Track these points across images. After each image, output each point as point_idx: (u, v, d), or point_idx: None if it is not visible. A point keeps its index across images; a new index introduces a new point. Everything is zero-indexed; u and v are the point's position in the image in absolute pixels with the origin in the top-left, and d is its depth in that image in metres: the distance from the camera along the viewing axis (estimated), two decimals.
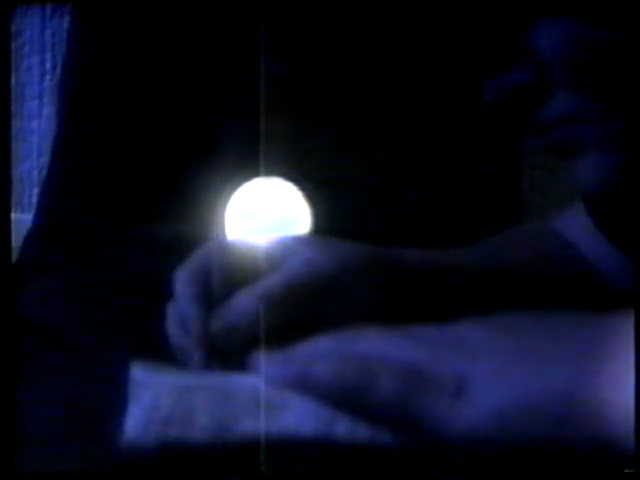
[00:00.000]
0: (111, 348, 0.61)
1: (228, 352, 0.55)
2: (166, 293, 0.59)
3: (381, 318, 0.47)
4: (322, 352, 0.45)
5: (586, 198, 0.55)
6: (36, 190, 1.13)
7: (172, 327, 0.58)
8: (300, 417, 0.42)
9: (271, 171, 0.79)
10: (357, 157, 0.97)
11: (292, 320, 0.53)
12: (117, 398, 0.44)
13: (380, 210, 0.96)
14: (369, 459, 0.41)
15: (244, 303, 0.55)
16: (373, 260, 0.58)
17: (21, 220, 1.02)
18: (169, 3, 0.96)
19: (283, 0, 0.93)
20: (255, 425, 0.42)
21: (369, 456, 0.41)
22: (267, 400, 0.42)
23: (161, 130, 0.98)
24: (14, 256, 0.88)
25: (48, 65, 1.16)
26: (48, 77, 1.16)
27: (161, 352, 0.56)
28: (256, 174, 0.79)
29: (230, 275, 0.57)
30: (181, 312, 0.57)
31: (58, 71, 1.12)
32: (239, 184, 0.78)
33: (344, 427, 0.42)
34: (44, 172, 1.05)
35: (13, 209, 1.04)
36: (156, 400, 0.43)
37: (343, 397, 0.42)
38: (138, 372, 0.46)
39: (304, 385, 0.43)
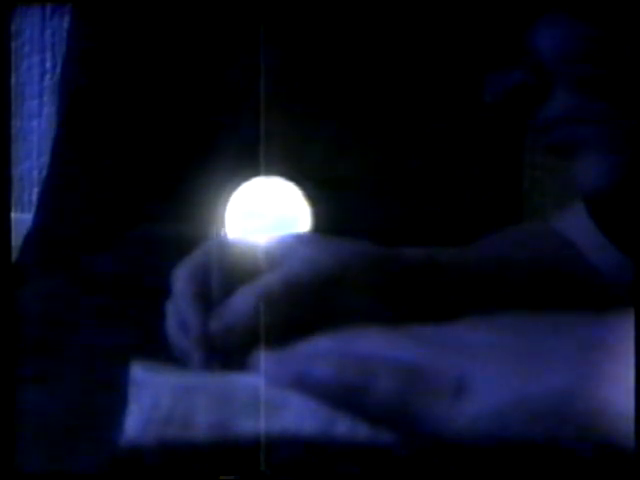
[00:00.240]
0: (111, 348, 0.61)
1: (228, 351, 0.55)
2: (166, 293, 0.59)
3: (381, 317, 0.47)
4: (322, 351, 0.45)
5: (586, 198, 0.55)
6: (36, 189, 1.13)
7: (171, 327, 0.58)
8: (300, 417, 0.42)
9: (271, 170, 0.79)
10: (357, 156, 0.97)
11: (292, 319, 0.53)
12: (117, 398, 0.44)
13: (380, 209, 0.96)
14: (369, 459, 0.41)
15: (243, 302, 0.55)
16: (373, 259, 0.58)
17: (21, 220, 1.02)
18: (169, 3, 0.96)
19: (283, 0, 0.94)
20: (255, 424, 0.42)
21: (369, 456, 0.41)
22: (267, 399, 0.42)
23: (161, 130, 0.98)
24: (14, 256, 0.88)
25: (48, 64, 1.16)
26: (48, 76, 1.16)
27: (161, 352, 0.56)
28: (256, 173, 0.79)
29: (230, 274, 0.57)
30: (180, 312, 0.57)
31: (58, 70, 1.12)
32: (239, 183, 0.79)
33: (344, 427, 0.42)
34: (44, 172, 1.06)
35: (13, 209, 1.04)
36: (156, 400, 0.43)
37: (343, 397, 0.42)
38: (138, 372, 0.46)
39: (304, 385, 0.43)
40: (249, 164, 0.83)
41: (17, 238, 0.96)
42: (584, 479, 0.39)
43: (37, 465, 0.44)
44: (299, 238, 0.61)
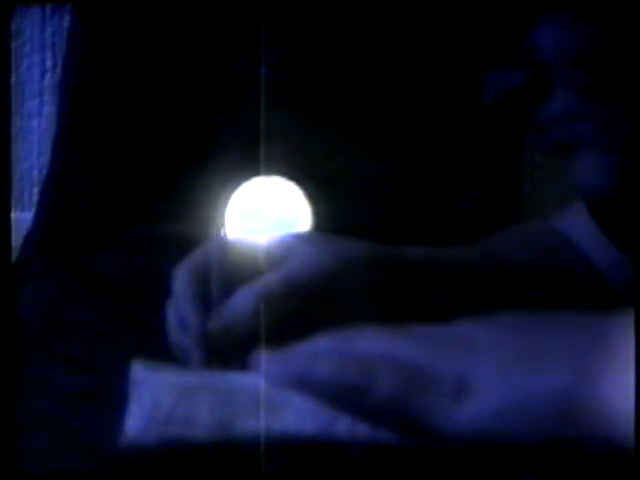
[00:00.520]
0: (111, 347, 0.61)
1: (227, 351, 0.55)
2: (166, 293, 0.59)
3: (381, 316, 0.47)
4: (322, 351, 0.45)
5: (586, 197, 0.55)
6: (36, 189, 1.13)
7: (171, 326, 0.58)
8: (300, 416, 0.42)
9: (271, 170, 0.79)
10: (357, 156, 0.97)
11: (292, 318, 0.53)
12: (117, 397, 0.44)
13: (380, 209, 0.96)
14: (369, 458, 0.41)
15: (243, 302, 0.55)
16: (373, 258, 0.58)
17: (21, 219, 1.02)
18: (169, 2, 0.96)
19: (283, 0, 0.94)
20: (255, 424, 0.42)
21: (369, 455, 0.41)
22: (267, 399, 0.42)
23: (161, 129, 0.98)
24: (14, 255, 0.88)
25: (48, 64, 1.16)
26: (48, 76, 1.16)
27: (161, 352, 0.56)
28: (256, 173, 0.79)
29: (230, 274, 0.57)
30: (179, 311, 0.57)
31: (58, 70, 1.12)
32: (239, 183, 0.79)
33: (344, 426, 0.42)
34: (44, 171, 1.06)
35: (13, 208, 1.04)
36: (156, 399, 0.43)
37: (343, 396, 0.42)
38: (138, 371, 0.46)
39: (304, 384, 0.43)
40: (249, 164, 0.83)
41: (17, 238, 0.96)
42: (584, 478, 0.39)
43: (37, 465, 0.44)
44: (299, 238, 0.61)
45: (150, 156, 0.98)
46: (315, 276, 0.56)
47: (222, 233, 0.78)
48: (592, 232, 0.61)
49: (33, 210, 1.03)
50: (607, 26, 0.47)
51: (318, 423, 0.42)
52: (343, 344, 0.45)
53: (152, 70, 0.98)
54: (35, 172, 1.16)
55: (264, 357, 0.46)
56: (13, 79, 1.13)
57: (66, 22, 1.12)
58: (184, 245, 0.60)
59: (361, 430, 0.42)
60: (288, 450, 0.41)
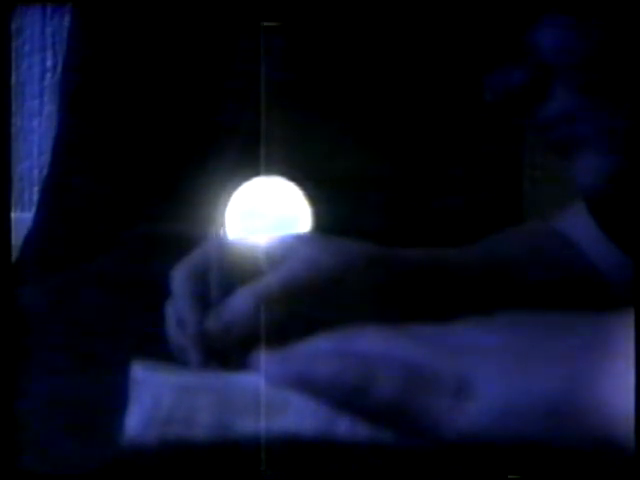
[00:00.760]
0: (111, 347, 0.61)
1: (226, 351, 0.55)
2: (166, 293, 0.59)
3: (381, 317, 0.47)
4: (322, 351, 0.45)
5: (586, 197, 0.55)
6: (36, 189, 1.13)
7: (171, 326, 0.58)
8: (300, 416, 0.42)
9: (271, 170, 0.79)
10: (357, 156, 0.97)
11: (292, 319, 0.53)
12: (117, 397, 0.44)
13: (380, 209, 0.96)
14: (369, 458, 0.41)
15: (243, 302, 0.55)
16: (373, 259, 0.58)
17: (21, 219, 1.02)
18: (169, 2, 0.96)
19: (283, 0, 0.93)
20: (255, 424, 0.42)
21: (369, 455, 0.41)
22: (267, 399, 0.42)
23: (161, 129, 0.98)
24: (14, 255, 0.88)
25: (49, 64, 1.16)
26: (49, 76, 1.16)
27: (161, 352, 0.56)
28: (256, 173, 0.79)
29: (230, 274, 0.57)
30: (178, 310, 0.57)
31: (59, 70, 1.12)
32: (239, 183, 0.78)
33: (344, 426, 0.42)
34: (44, 171, 1.06)
35: (13, 208, 1.04)
36: (156, 399, 0.43)
37: (343, 396, 0.42)
38: (138, 371, 0.46)
39: (304, 384, 0.43)
40: (249, 164, 0.83)
41: (17, 238, 0.96)
42: (584, 479, 0.39)
43: (37, 465, 0.44)
44: (299, 238, 0.61)
45: (150, 156, 0.98)
46: (315, 276, 0.56)
47: (222, 233, 0.78)
48: (592, 232, 0.61)
49: (33, 210, 1.04)
50: (607, 26, 0.47)
51: (318, 423, 0.42)
52: (343, 344, 0.45)
53: (152, 70, 0.98)
54: (35, 172, 1.16)
55: (264, 357, 0.46)
56: (13, 79, 1.13)
57: (66, 22, 1.12)
58: (184, 245, 0.60)
59: (361, 430, 0.42)
60: (288, 450, 0.41)
